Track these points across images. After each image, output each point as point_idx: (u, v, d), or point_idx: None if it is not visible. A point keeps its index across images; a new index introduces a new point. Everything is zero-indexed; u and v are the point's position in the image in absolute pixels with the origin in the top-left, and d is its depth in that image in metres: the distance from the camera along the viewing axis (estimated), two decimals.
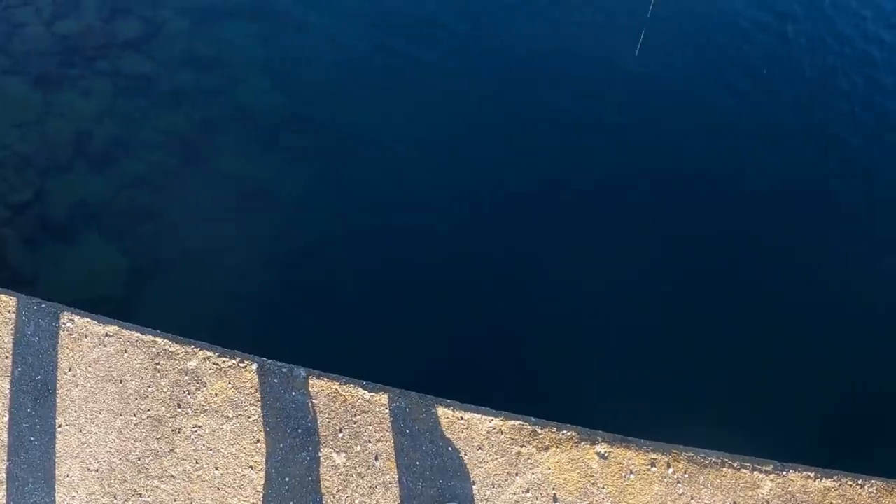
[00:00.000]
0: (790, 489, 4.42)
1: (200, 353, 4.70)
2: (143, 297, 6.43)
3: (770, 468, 4.49)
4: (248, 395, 4.59)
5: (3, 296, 4.93)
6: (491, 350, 6.05)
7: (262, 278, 6.37)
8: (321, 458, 4.46)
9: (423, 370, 5.58)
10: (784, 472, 4.47)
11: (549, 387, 5.71)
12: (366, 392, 4.61)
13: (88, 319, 4.82)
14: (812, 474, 4.47)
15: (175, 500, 4.37)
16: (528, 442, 4.49)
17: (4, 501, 4.38)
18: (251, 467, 4.44)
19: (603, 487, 4.43)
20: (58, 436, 4.53)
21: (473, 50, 7.89)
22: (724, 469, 4.47)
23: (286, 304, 6.29)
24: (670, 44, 7.95)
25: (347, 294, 6.24)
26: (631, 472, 4.46)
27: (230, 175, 6.93)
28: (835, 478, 4.50)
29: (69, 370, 4.67)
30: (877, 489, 4.46)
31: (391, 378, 4.76)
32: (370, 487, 4.39)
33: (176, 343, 4.74)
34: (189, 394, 4.59)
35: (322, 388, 4.62)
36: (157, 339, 4.75)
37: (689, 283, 6.53)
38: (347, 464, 4.45)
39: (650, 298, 6.32)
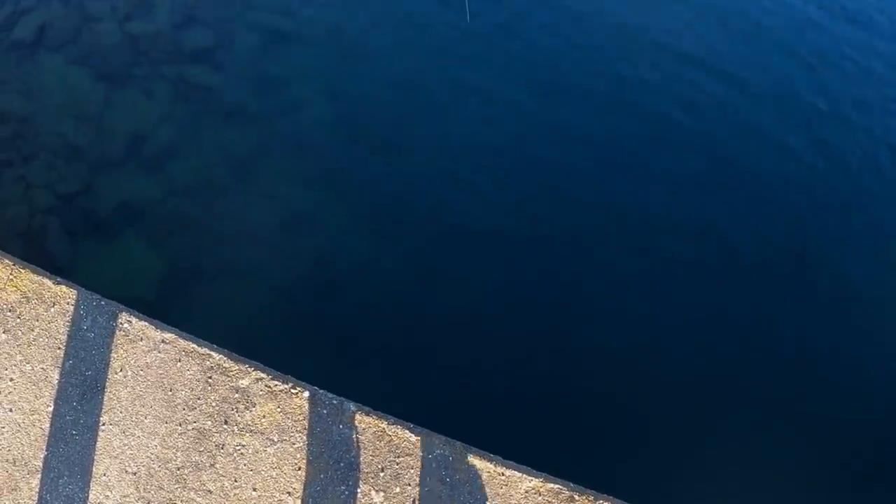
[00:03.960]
0: None
1: (254, 373, 4.75)
2: (174, 303, 6.45)
3: None
4: (295, 421, 4.63)
5: (64, 287, 4.98)
6: (543, 402, 6.08)
7: (295, 302, 6.42)
8: (359, 495, 4.50)
9: (468, 414, 5.62)
10: None
11: (597, 450, 5.75)
12: (412, 435, 4.67)
13: (146, 323, 4.86)
14: None
15: None
16: None
17: (38, 490, 4.37)
18: (289, 493, 4.47)
19: None
20: (100, 434, 4.54)
21: (539, 81, 8.01)
22: None
23: (316, 331, 6.32)
24: None
25: (391, 330, 6.26)
26: None
27: (277, 196, 7.00)
28: None
29: (120, 370, 4.70)
30: None
31: (437, 419, 4.80)
32: None
33: (231, 360, 4.78)
34: (237, 412, 4.62)
35: (369, 425, 4.67)
36: (212, 352, 4.79)
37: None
38: (384, 503, 4.48)
39: (713, 369, 6.36)
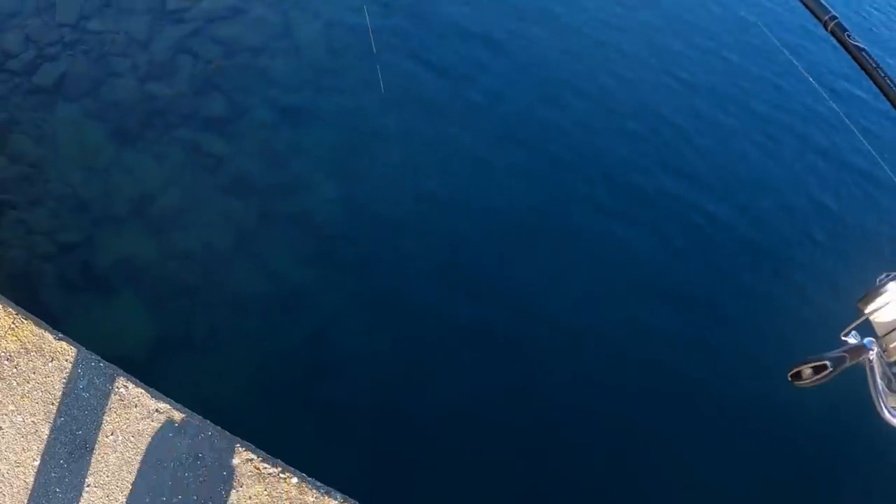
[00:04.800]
0: None
1: (245, 452, 4.79)
2: (162, 367, 6.46)
3: None
4: None
5: (64, 343, 5.01)
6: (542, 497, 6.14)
7: (287, 381, 6.47)
8: None
9: None
10: None
11: None
12: None
13: (143, 390, 4.89)
14: None
15: None
16: None
17: None
18: None
19: None
20: (83, 494, 4.53)
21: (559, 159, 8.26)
22: None
23: (305, 412, 6.35)
24: None
25: (382, 418, 6.32)
26: None
27: (276, 271, 7.09)
28: None
29: (111, 434, 4.72)
30: None
31: None
32: None
33: (223, 436, 4.81)
34: (224, 491, 4.65)
35: None
36: (206, 428, 4.82)
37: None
38: None
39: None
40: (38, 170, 7.21)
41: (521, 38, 10.09)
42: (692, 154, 9.33)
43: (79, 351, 4.97)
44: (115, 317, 6.64)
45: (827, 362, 1.78)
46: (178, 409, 4.83)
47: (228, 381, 6.36)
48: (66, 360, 4.87)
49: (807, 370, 1.80)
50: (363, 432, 6.26)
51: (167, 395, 5.04)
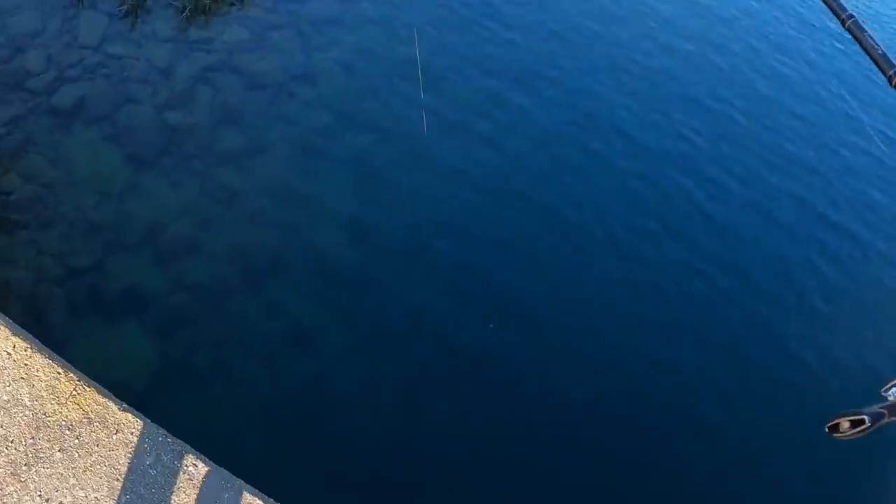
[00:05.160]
0: None
1: None
2: (162, 398, 6.39)
3: None
4: None
5: (129, 415, 4.79)
6: None
7: (289, 422, 6.41)
8: None
9: None
10: None
11: None
12: None
13: (211, 468, 4.72)
14: None
15: None
16: None
17: None
18: None
19: None
20: None
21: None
22: None
23: (305, 455, 6.28)
24: None
25: (383, 466, 6.26)
26: None
27: (284, 310, 7.05)
28: None
29: None
30: None
31: None
32: None
33: None
34: None
35: None
36: None
37: None
38: None
39: None
40: (51, 191, 7.17)
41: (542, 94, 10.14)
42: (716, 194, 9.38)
43: (145, 424, 4.74)
44: (119, 344, 6.59)
45: (865, 417, 1.78)
46: (249, 491, 4.67)
47: (228, 418, 6.29)
48: (132, 433, 4.70)
49: (845, 423, 1.80)
50: (364, 477, 6.20)
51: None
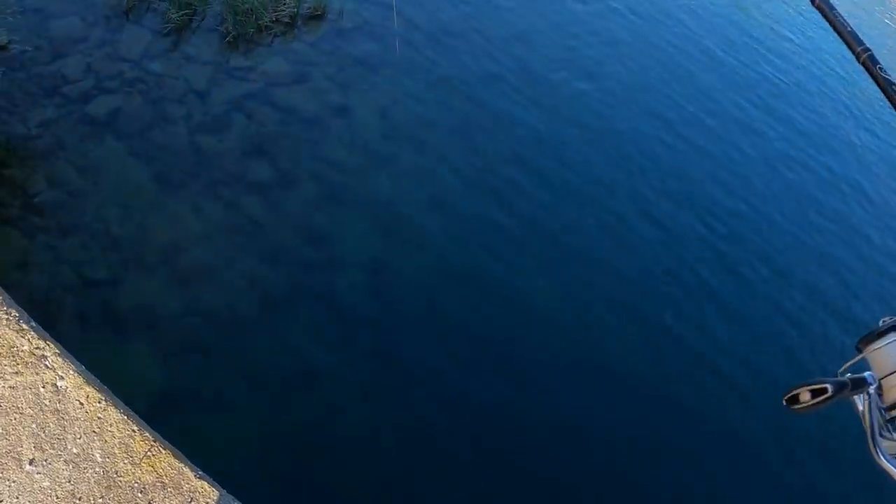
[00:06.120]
0: None
1: None
2: (163, 419, 6.22)
3: None
4: None
5: (205, 483, 4.55)
6: None
7: (293, 460, 6.28)
8: None
9: None
10: None
11: None
12: None
13: None
14: None
15: None
16: None
17: None
18: None
19: None
20: None
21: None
22: None
23: (311, 493, 6.16)
24: None
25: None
26: None
27: (295, 346, 6.96)
28: None
29: None
30: None
31: None
32: None
33: None
34: None
35: None
36: None
37: None
38: None
39: None
40: (76, 199, 7.10)
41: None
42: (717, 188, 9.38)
43: (221, 495, 4.50)
44: (125, 360, 6.48)
45: (828, 385, 1.70)
46: None
47: (229, 448, 6.15)
48: (206, 502, 4.49)
49: (805, 394, 1.71)
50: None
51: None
